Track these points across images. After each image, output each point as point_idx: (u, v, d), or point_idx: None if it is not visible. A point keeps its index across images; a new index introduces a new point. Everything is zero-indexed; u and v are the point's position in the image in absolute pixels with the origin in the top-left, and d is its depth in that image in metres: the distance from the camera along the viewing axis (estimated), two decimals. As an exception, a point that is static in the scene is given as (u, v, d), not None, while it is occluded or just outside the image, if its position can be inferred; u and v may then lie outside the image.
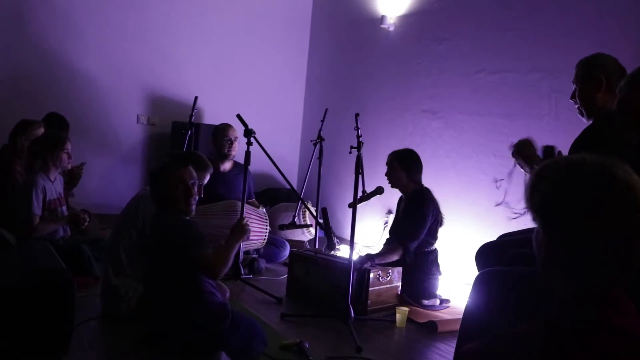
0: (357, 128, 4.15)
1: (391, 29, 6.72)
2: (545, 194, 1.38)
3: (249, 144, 4.69)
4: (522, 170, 3.26)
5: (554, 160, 1.45)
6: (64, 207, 5.07)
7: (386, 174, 4.87)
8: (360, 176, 4.10)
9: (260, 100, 7.91)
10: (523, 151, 3.24)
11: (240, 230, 3.45)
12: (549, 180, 1.38)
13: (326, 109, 6.10)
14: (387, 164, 4.87)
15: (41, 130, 5.38)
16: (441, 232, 4.86)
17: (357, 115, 4.19)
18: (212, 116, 7.48)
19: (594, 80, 3.14)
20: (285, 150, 8.02)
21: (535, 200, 1.40)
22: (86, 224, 4.99)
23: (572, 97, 3.26)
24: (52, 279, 3.16)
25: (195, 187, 3.35)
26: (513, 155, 3.29)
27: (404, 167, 4.80)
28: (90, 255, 4.81)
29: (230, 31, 7.94)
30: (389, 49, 6.80)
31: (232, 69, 7.98)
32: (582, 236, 1.30)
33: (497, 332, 1.42)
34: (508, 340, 1.35)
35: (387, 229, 6.29)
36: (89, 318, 3.81)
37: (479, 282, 2.67)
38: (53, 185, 4.95)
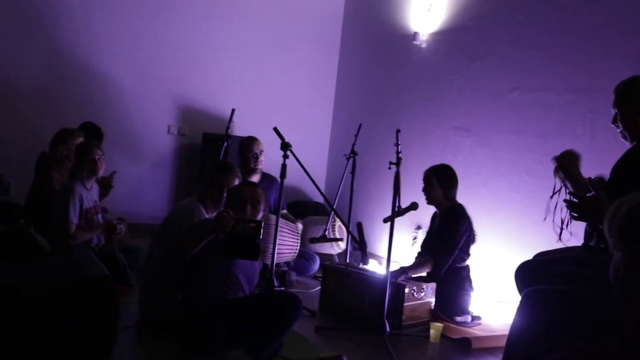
0: (397, 144, 4.17)
1: (423, 45, 6.76)
2: (625, 218, 1.48)
3: (285, 157, 4.73)
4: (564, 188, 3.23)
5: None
6: (100, 215, 5.13)
7: (423, 190, 4.89)
8: (397, 192, 4.14)
9: (288, 113, 7.95)
10: (566, 163, 3.19)
11: (219, 220, 3.35)
12: (627, 206, 1.50)
13: (360, 124, 6.14)
14: (424, 180, 4.89)
15: (80, 139, 5.45)
16: (472, 249, 4.88)
17: (398, 131, 4.22)
18: (241, 128, 7.53)
19: (635, 104, 3.14)
20: (312, 164, 8.03)
21: (616, 226, 1.49)
22: (122, 232, 5.05)
23: (614, 122, 3.24)
24: (97, 286, 3.21)
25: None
26: (555, 170, 3.24)
27: (442, 185, 4.82)
28: (126, 264, 4.86)
29: (260, 44, 8.02)
30: (421, 66, 6.84)
31: (261, 81, 8.05)
32: None
33: (574, 346, 1.44)
34: (589, 356, 1.38)
35: (416, 244, 6.32)
36: (128, 326, 3.85)
37: (527, 300, 2.70)
38: (89, 193, 5.01)
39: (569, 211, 2.91)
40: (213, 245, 3.39)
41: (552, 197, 3.23)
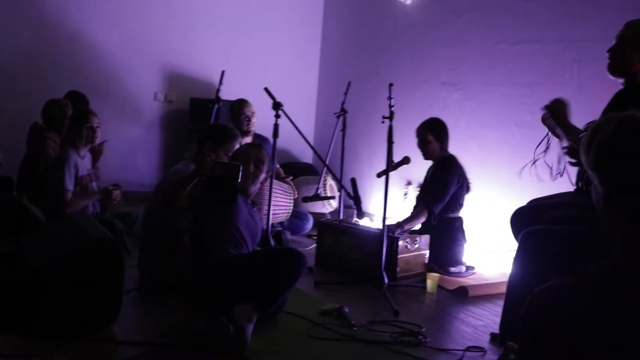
0: (390, 98, 4.21)
1: (408, 2, 6.76)
2: (600, 145, 1.46)
3: (277, 116, 4.76)
4: (555, 139, 3.26)
5: (605, 118, 1.53)
6: (94, 183, 5.14)
7: (419, 146, 4.94)
8: (391, 146, 4.20)
9: (274, 74, 7.89)
10: (557, 110, 3.20)
11: (199, 163, 3.42)
12: (602, 133, 1.47)
13: (349, 82, 6.17)
14: (418, 137, 4.93)
15: (69, 108, 5.45)
16: (466, 199, 4.94)
17: (390, 85, 4.25)
18: (228, 91, 7.51)
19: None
20: (300, 125, 8.04)
21: (592, 154, 1.48)
22: (118, 198, 5.07)
23: (610, 51, 3.22)
24: (103, 248, 3.25)
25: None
26: (544, 119, 3.25)
27: (438, 139, 4.88)
28: (123, 230, 4.89)
29: (245, 7, 8.00)
30: (406, 23, 6.84)
31: (246, 45, 8.03)
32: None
33: (572, 271, 1.48)
34: (586, 278, 1.43)
35: (407, 199, 6.40)
36: (130, 289, 3.89)
37: (526, 240, 2.77)
38: (83, 161, 5.01)
39: (566, 158, 2.97)
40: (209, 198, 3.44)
41: (538, 146, 3.28)
